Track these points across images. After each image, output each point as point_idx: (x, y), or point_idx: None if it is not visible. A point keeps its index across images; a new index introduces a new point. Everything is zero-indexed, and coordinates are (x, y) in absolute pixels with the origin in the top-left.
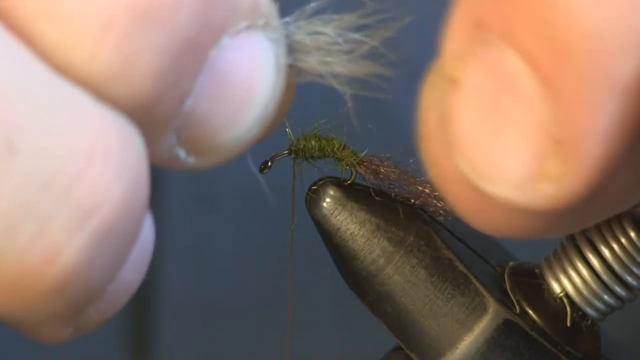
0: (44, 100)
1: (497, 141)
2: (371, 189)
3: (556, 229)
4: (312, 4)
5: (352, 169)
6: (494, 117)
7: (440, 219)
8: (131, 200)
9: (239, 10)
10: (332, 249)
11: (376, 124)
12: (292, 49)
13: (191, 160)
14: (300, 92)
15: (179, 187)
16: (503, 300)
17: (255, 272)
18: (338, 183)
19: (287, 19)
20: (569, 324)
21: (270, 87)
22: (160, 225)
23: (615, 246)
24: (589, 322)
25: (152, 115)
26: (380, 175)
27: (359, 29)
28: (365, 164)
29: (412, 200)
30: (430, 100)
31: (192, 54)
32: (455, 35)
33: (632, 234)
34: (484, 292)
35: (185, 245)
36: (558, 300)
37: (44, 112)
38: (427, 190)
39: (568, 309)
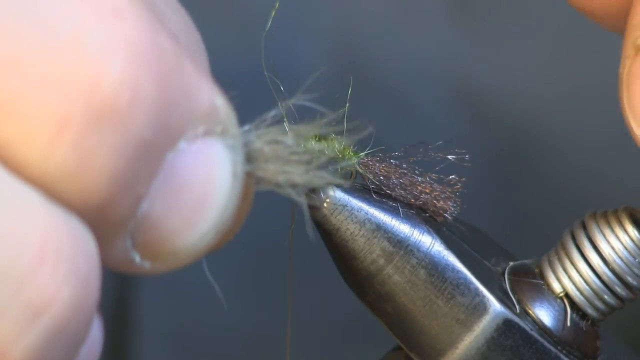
0: None
1: None
2: (371, 189)
3: None
4: (272, 113)
5: (352, 169)
6: None
7: (440, 219)
8: (81, 302)
9: (196, 115)
10: (332, 249)
11: (376, 124)
12: (250, 157)
13: (146, 264)
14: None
15: None
16: (503, 300)
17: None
18: (338, 183)
19: (246, 127)
20: (569, 324)
21: (227, 194)
22: None
23: (615, 246)
24: (589, 322)
25: (107, 218)
26: (380, 175)
27: (317, 138)
28: (365, 164)
29: (412, 200)
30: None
31: (148, 156)
32: None
33: (632, 234)
34: (484, 292)
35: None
36: (558, 300)
37: None
38: (427, 190)
39: (568, 309)
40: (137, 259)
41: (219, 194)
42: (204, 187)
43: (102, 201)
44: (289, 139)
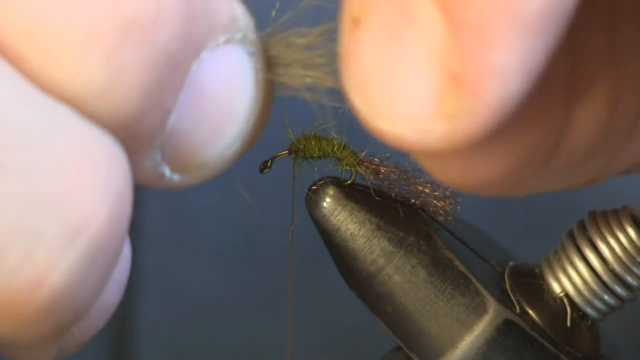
0: (30, 120)
1: (392, 77)
2: (371, 189)
3: (475, 180)
4: (288, 15)
5: (352, 169)
6: (391, 52)
7: (440, 219)
8: (117, 219)
9: (218, 24)
10: (332, 249)
11: None
12: (270, 62)
13: (176, 178)
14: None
15: (155, 223)
16: (503, 300)
17: (235, 309)
18: (338, 183)
19: (264, 32)
20: (569, 324)
21: (250, 100)
22: (136, 263)
23: (615, 246)
24: (589, 322)
25: (137, 133)
26: (380, 175)
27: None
28: (365, 164)
29: (412, 200)
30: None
31: (175, 69)
32: None
33: (632, 234)
34: (484, 292)
35: (161, 283)
36: (558, 300)
37: (30, 132)
38: (427, 190)
39: (568, 309)
40: (167, 172)
41: (243, 101)
42: (227, 95)
43: (132, 116)
44: (306, 42)
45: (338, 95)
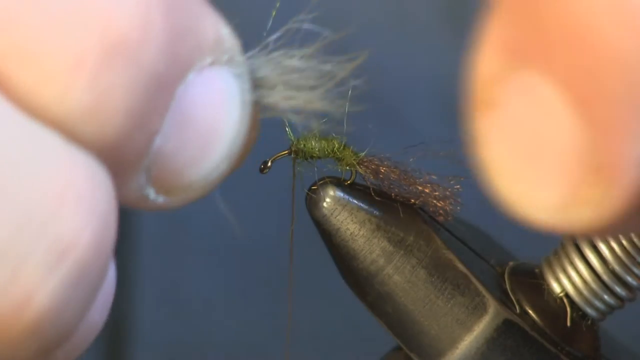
0: (15, 143)
1: (530, 168)
2: (371, 189)
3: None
4: (275, 36)
5: (352, 169)
6: (528, 143)
7: (440, 219)
8: (102, 241)
9: (204, 45)
10: (332, 249)
11: (376, 124)
12: (256, 84)
13: (160, 199)
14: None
15: (151, 226)
16: (503, 300)
17: (234, 310)
18: (338, 183)
19: (250, 54)
20: (569, 324)
21: (236, 122)
22: (132, 266)
23: (615, 246)
24: (589, 322)
25: (123, 155)
26: (380, 175)
27: (322, 61)
28: (365, 164)
29: (412, 200)
30: (474, 130)
31: (161, 91)
32: (489, 60)
33: (632, 234)
34: (484, 292)
35: (157, 285)
36: (558, 300)
37: (15, 155)
38: (427, 190)
39: (568, 309)
40: (152, 194)
41: (229, 123)
42: (213, 117)
43: (118, 138)
44: (293, 64)
45: (324, 117)
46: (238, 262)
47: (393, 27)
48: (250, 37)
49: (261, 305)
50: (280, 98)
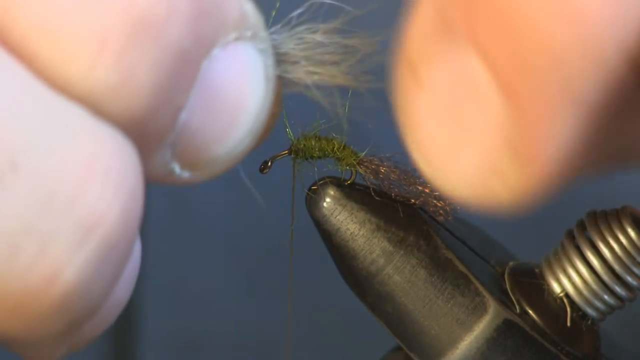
0: (43, 119)
1: (453, 140)
2: (371, 189)
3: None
4: (298, 11)
5: (352, 169)
6: (454, 118)
7: (440, 219)
8: (129, 216)
9: (228, 21)
10: (332, 249)
11: (376, 124)
12: (279, 59)
13: (185, 174)
14: (300, 92)
15: (158, 219)
16: (503, 300)
17: (238, 303)
18: (338, 183)
19: (273, 29)
20: (569, 324)
21: (260, 98)
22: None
23: (615, 246)
24: (589, 322)
25: (148, 130)
26: (380, 175)
27: (346, 35)
28: (365, 164)
29: (412, 200)
30: (399, 96)
31: (186, 66)
32: (422, 32)
33: (632, 234)
34: (484, 292)
35: (164, 278)
36: (558, 300)
37: (44, 131)
38: (427, 190)
39: (568, 309)
40: (177, 169)
41: (253, 98)
42: (238, 92)
43: (144, 114)
44: (317, 39)
45: (346, 92)
46: (241, 259)
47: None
48: (273, 12)
49: (265, 301)
50: (303, 73)
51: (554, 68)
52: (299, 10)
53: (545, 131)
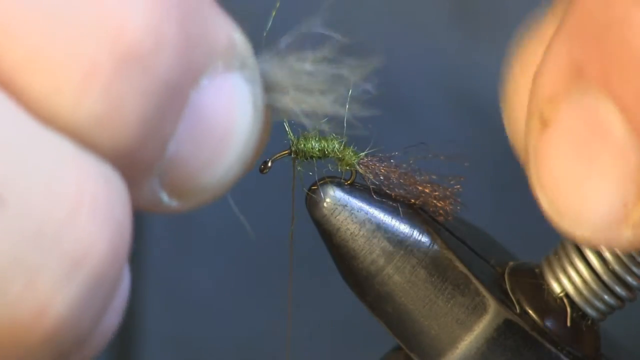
0: (30, 152)
1: (581, 185)
2: (371, 189)
3: None
4: (286, 40)
5: (352, 169)
6: (581, 161)
7: (440, 219)
8: (117, 248)
9: (217, 51)
10: (332, 249)
11: (376, 127)
12: (267, 88)
13: (174, 203)
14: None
15: (157, 226)
16: (503, 300)
17: (238, 309)
18: (338, 183)
19: (262, 58)
20: (569, 324)
21: (248, 127)
22: (139, 266)
23: None
24: (589, 322)
25: (136, 161)
26: (380, 175)
27: (334, 65)
28: (365, 164)
29: (412, 200)
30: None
31: (174, 97)
32: (551, 77)
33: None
34: (484, 292)
35: (165, 283)
36: (558, 300)
37: (30, 166)
38: (427, 190)
39: (568, 309)
40: (165, 198)
41: (241, 128)
42: (226, 121)
43: (131, 145)
44: (305, 67)
45: (335, 122)
46: (242, 260)
47: (403, 29)
48: (262, 40)
49: (266, 302)
50: (291, 102)
51: None
52: (287, 39)
53: None
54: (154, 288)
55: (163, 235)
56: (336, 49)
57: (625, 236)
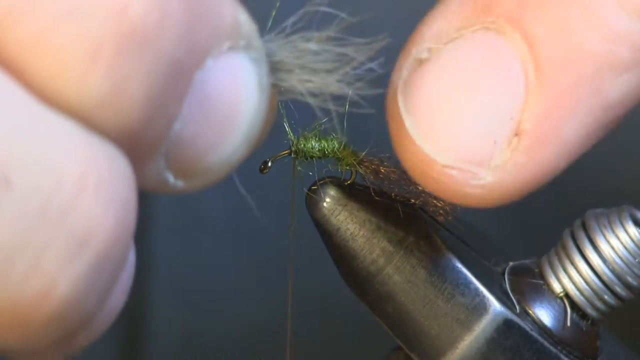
0: (34, 134)
1: (457, 112)
2: (371, 189)
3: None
4: (292, 19)
5: (352, 169)
6: (462, 92)
7: (440, 219)
8: (122, 227)
9: (221, 31)
10: (332, 249)
11: (376, 124)
12: (273, 67)
13: (180, 184)
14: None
15: (165, 214)
16: (503, 300)
17: (238, 303)
18: (338, 183)
19: (267, 37)
20: (569, 324)
21: (254, 106)
22: (146, 256)
23: (615, 246)
24: (589, 322)
25: (141, 141)
26: (380, 175)
27: (339, 44)
28: (365, 164)
29: (412, 200)
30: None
31: (179, 77)
32: (448, 14)
33: (632, 234)
34: (484, 292)
35: (170, 273)
36: (558, 300)
37: (34, 146)
38: (427, 190)
39: (568, 309)
40: (171, 178)
41: (247, 107)
42: (232, 102)
43: (137, 125)
44: (310, 47)
45: (341, 100)
46: (242, 260)
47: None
48: (267, 20)
49: (265, 302)
50: (297, 81)
51: (598, 67)
52: (293, 19)
53: (561, 124)
54: (160, 280)
55: (168, 224)
56: (342, 28)
57: (481, 179)
